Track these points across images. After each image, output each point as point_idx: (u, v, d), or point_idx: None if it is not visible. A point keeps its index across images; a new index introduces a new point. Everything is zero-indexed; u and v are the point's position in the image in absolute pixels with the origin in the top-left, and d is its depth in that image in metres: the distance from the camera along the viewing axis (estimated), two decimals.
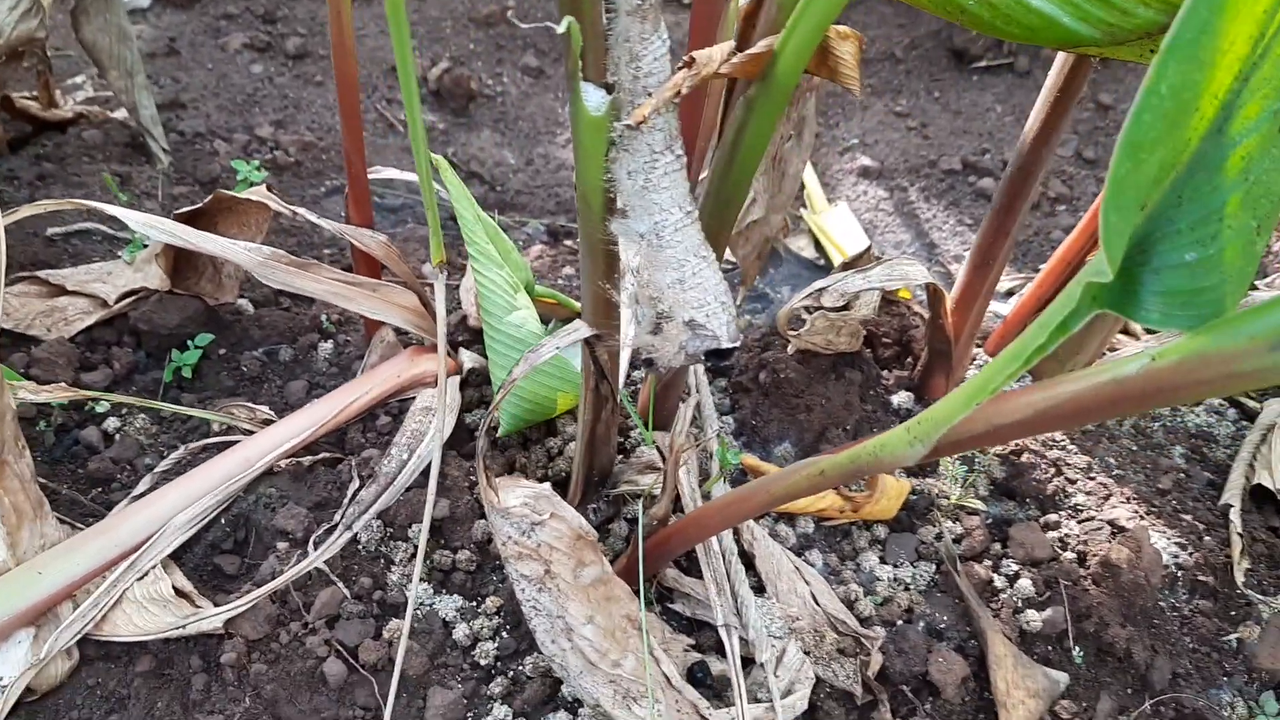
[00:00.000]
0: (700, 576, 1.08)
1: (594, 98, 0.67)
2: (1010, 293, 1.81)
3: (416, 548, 1.12)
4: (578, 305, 1.36)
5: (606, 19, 0.67)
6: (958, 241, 1.94)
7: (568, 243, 1.81)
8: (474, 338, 1.38)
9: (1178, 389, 0.61)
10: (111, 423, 1.28)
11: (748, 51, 0.75)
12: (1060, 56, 1.04)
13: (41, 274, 1.40)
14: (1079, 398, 0.66)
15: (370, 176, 1.22)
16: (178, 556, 1.11)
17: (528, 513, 0.90)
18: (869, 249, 1.25)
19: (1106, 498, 1.29)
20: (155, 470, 1.19)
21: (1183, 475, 1.35)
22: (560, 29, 0.58)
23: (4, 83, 1.65)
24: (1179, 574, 1.21)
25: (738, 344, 0.76)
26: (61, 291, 1.40)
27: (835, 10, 0.65)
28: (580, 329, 0.83)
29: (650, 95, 0.71)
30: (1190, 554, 1.22)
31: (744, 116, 0.80)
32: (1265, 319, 0.52)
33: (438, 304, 0.80)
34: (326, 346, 1.40)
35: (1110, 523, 1.24)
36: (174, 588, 1.06)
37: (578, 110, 0.69)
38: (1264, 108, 0.59)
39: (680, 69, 0.73)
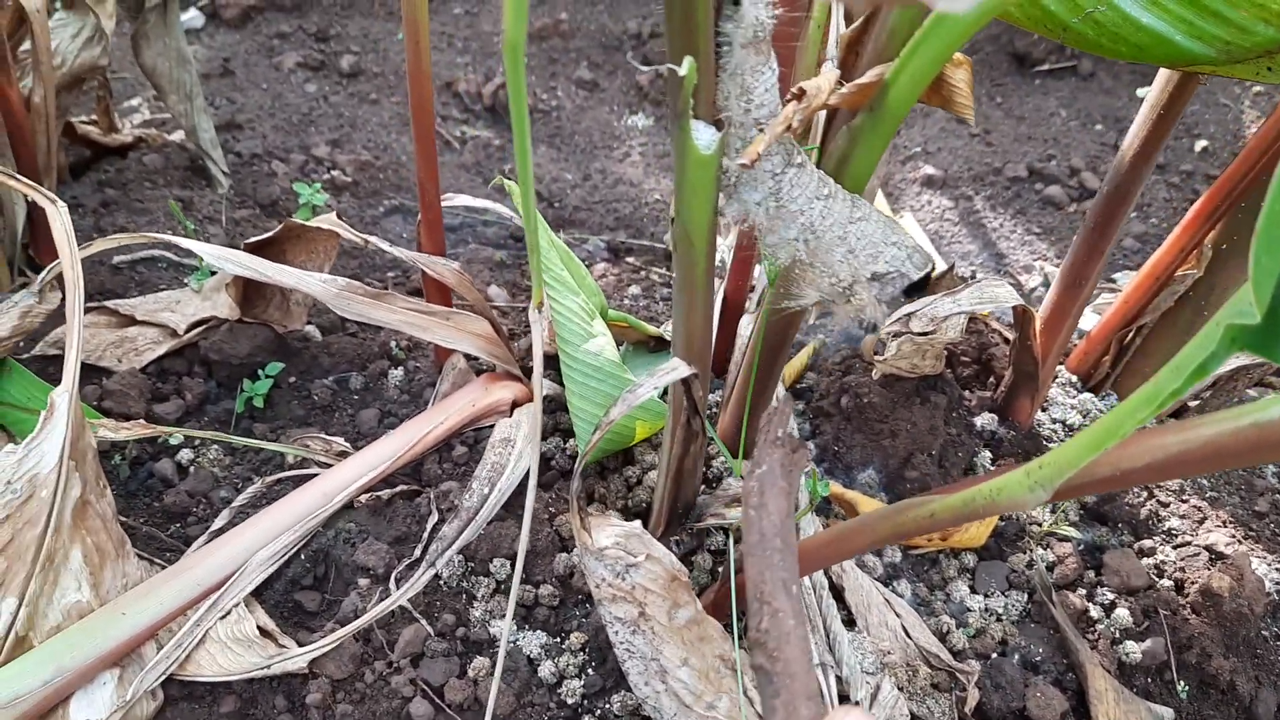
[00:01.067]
0: None
1: (704, 136, 0.65)
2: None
3: (498, 582, 1.10)
4: (649, 329, 1.34)
5: (718, 52, 0.65)
6: (1026, 251, 1.90)
7: (629, 260, 1.79)
8: (547, 363, 1.36)
9: None
10: (185, 454, 1.27)
11: (857, 82, 0.72)
12: (1163, 73, 1.00)
13: (111, 304, 1.40)
14: (1217, 442, 0.63)
15: (444, 204, 1.20)
16: (259, 593, 1.10)
17: (622, 554, 0.88)
18: (952, 268, 1.22)
19: (1201, 521, 1.25)
20: (232, 505, 1.18)
21: (1279, 497, 1.30)
22: (682, 71, 0.56)
23: (66, 109, 1.65)
24: None
25: (929, 268, 0.73)
26: (131, 321, 1.39)
27: (960, 40, 0.63)
28: (679, 368, 0.81)
29: (759, 129, 0.68)
30: None
31: (847, 148, 0.78)
32: None
33: (535, 347, 0.78)
34: (397, 373, 1.39)
35: (1208, 548, 1.20)
36: (257, 626, 1.05)
37: (685, 148, 0.66)
38: None
39: (789, 101, 0.71)
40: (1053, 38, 0.88)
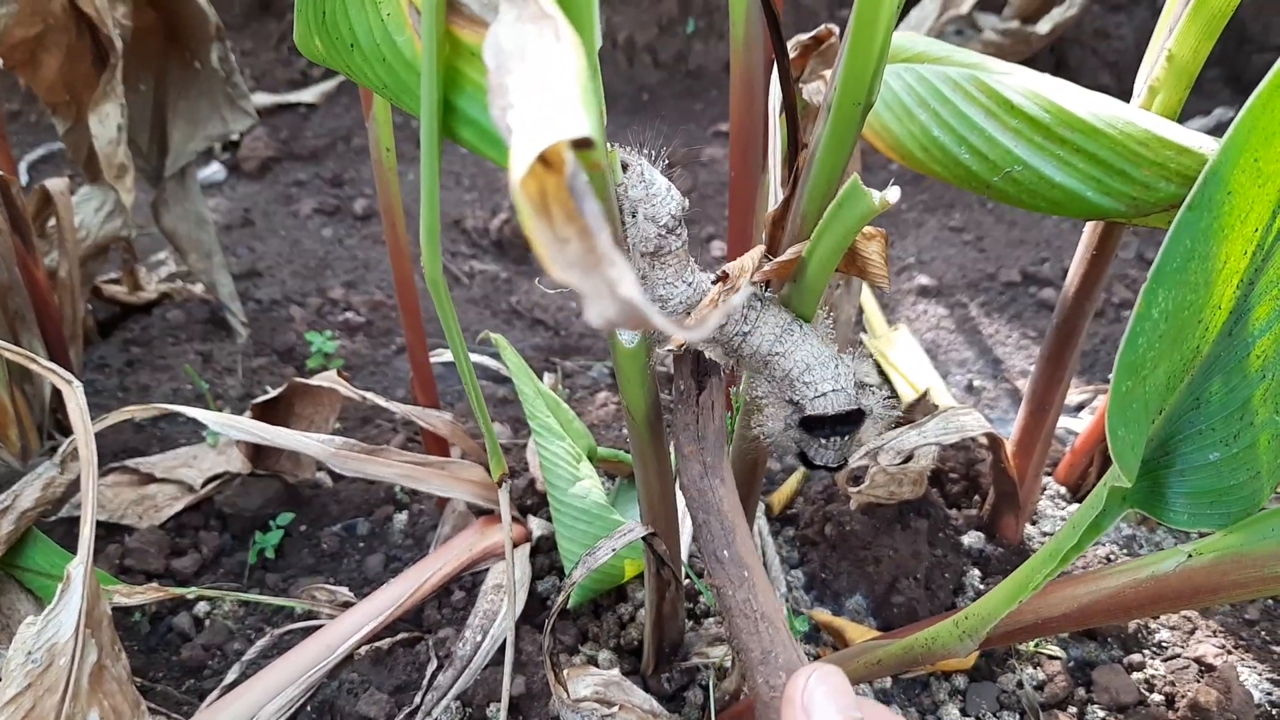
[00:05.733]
0: None
1: (626, 333, 0.71)
2: (1080, 406, 1.80)
3: None
4: None
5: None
6: (1023, 356, 1.94)
7: None
8: (542, 501, 1.41)
9: (1215, 590, 0.61)
10: (202, 607, 1.33)
11: (777, 260, 0.78)
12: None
13: (131, 463, 1.47)
14: (1121, 594, 0.67)
15: (433, 360, 1.27)
16: None
17: (597, 705, 0.92)
18: (925, 395, 1.26)
19: (1191, 632, 1.26)
20: (244, 659, 1.23)
21: (1271, 602, 1.31)
22: None
23: (92, 276, 1.75)
24: (1273, 712, 1.17)
25: (825, 412, 0.74)
26: (151, 479, 1.46)
27: (852, 234, 0.68)
28: (635, 530, 0.86)
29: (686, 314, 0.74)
30: None
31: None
32: None
33: (504, 514, 0.83)
34: (401, 518, 1.45)
35: (1197, 660, 1.21)
36: None
37: (614, 343, 0.72)
38: (1273, 308, 0.60)
39: (716, 283, 0.77)
40: (978, 193, 0.94)
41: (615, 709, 0.92)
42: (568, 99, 0.35)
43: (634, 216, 0.65)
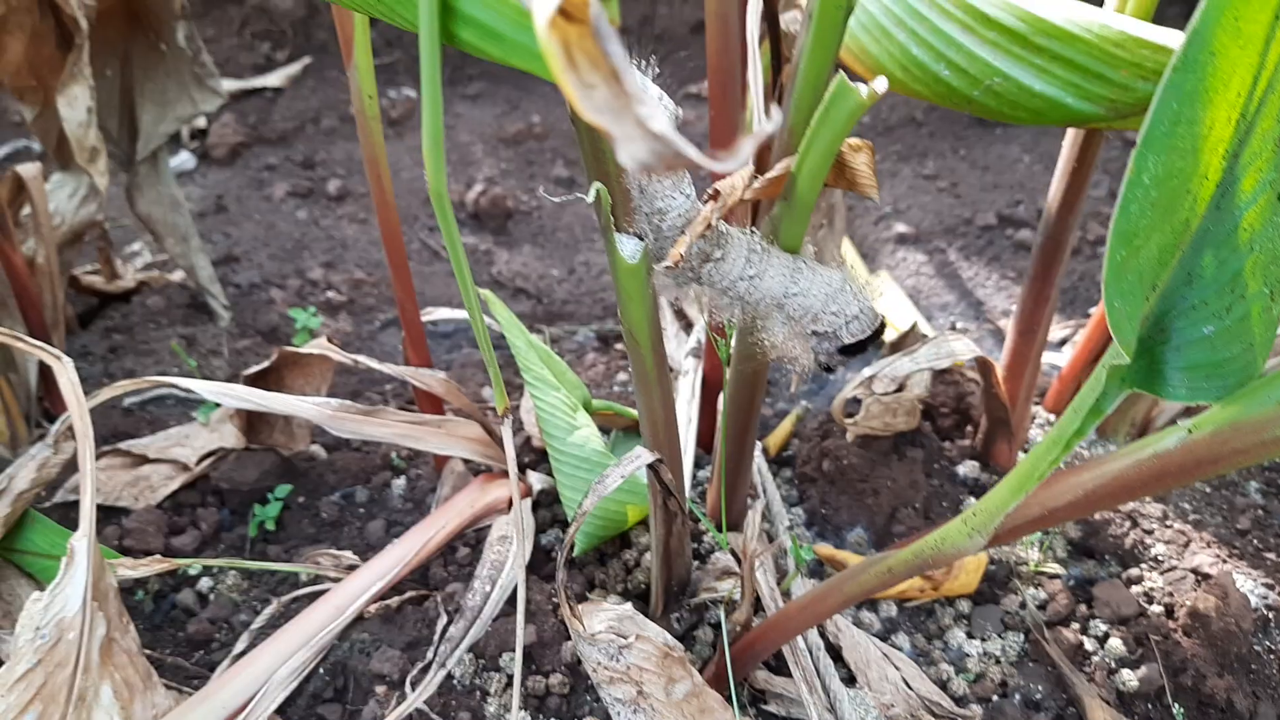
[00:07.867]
0: (791, 676, 1.09)
1: (628, 247, 0.71)
2: (1064, 341, 1.82)
3: (509, 677, 1.15)
4: (635, 413, 1.40)
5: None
6: (1004, 296, 1.95)
7: (618, 347, 1.85)
8: (540, 457, 1.42)
9: (1217, 460, 0.62)
10: (205, 583, 1.32)
11: (766, 176, 0.79)
12: (1070, 130, 1.07)
13: (124, 445, 1.46)
14: (1125, 476, 0.68)
15: (424, 319, 1.27)
16: (283, 711, 1.14)
17: (614, 637, 0.93)
18: (914, 327, 1.28)
19: (1186, 545, 1.28)
20: (251, 628, 1.23)
21: (1261, 512, 1.33)
22: (589, 198, 0.62)
23: (69, 264, 1.74)
24: (1270, 615, 1.20)
25: (865, 334, 0.77)
26: (144, 460, 1.46)
27: (842, 136, 0.69)
28: (643, 456, 0.86)
29: (675, 239, 0.74)
30: (1279, 593, 1.21)
31: (770, 235, 0.84)
32: None
33: (508, 449, 0.84)
34: (399, 483, 1.45)
35: (1193, 570, 1.23)
36: None
37: (615, 259, 0.72)
38: (1258, 180, 0.61)
39: (707, 201, 0.77)
40: (959, 109, 0.95)
41: (632, 638, 0.93)
42: None
43: None
